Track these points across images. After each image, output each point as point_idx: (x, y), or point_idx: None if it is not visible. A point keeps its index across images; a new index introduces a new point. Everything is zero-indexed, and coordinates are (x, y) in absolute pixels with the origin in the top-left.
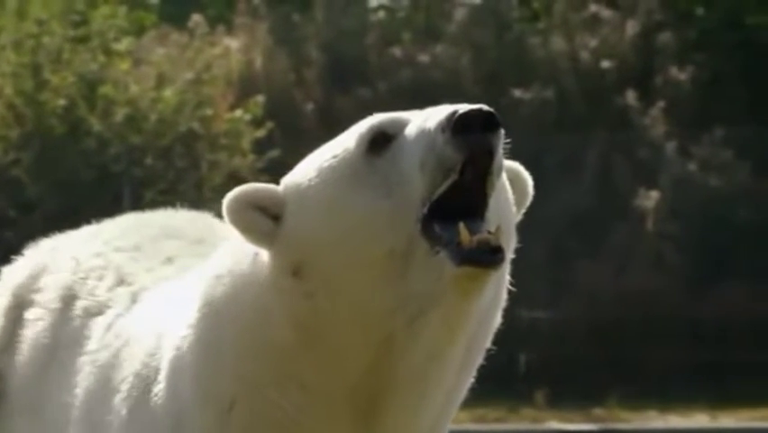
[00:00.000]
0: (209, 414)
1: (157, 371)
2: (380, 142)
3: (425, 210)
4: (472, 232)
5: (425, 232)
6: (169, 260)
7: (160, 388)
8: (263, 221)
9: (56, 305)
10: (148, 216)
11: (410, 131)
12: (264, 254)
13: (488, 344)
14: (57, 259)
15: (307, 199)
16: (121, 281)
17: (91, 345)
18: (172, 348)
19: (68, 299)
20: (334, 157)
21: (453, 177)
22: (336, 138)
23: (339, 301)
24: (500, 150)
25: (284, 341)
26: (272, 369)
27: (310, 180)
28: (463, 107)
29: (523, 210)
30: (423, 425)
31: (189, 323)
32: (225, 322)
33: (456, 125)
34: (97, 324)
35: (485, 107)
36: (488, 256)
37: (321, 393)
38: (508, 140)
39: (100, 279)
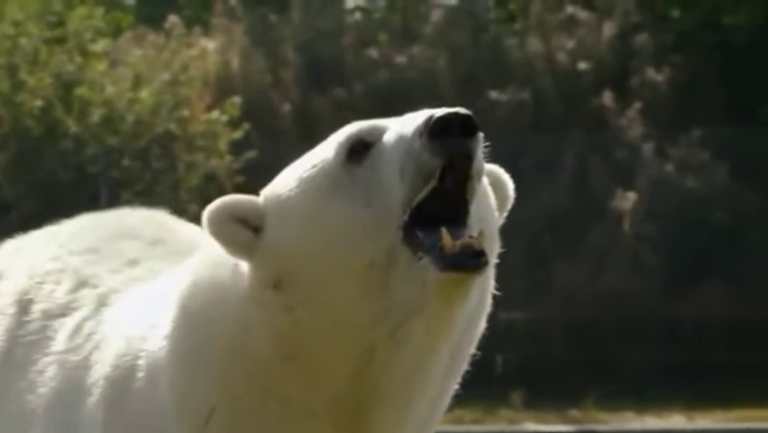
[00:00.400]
0: (187, 424)
1: (133, 375)
2: (359, 150)
3: (406, 217)
4: (455, 237)
5: (407, 239)
6: (134, 262)
7: (137, 393)
8: (244, 233)
9: (12, 310)
10: (103, 216)
11: (388, 138)
12: (244, 266)
13: (472, 349)
14: (14, 264)
15: (287, 211)
16: (83, 284)
17: (56, 346)
18: (148, 354)
19: (25, 303)
20: (314, 167)
21: (433, 182)
22: (315, 148)
23: (320, 313)
24: (479, 153)
25: (264, 354)
26: (253, 381)
27: (290, 191)
28: (440, 111)
29: (505, 214)
30: None
31: (166, 330)
32: (205, 332)
33: (433, 130)
34: (63, 325)
35: (462, 111)
36: (471, 260)
37: (302, 405)
38: (487, 143)
39: (57, 282)
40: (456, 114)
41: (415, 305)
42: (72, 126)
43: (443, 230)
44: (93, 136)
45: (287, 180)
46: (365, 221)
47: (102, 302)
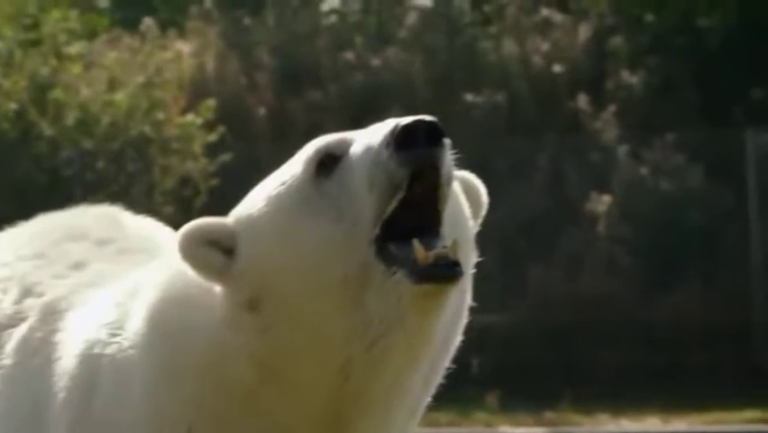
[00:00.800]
0: None
1: (98, 377)
2: (327, 164)
3: (378, 231)
4: (428, 248)
5: (380, 253)
6: (79, 264)
7: (104, 398)
8: (216, 256)
9: None
10: (57, 217)
11: (355, 150)
12: (217, 288)
13: (449, 359)
14: None
15: (259, 230)
16: (28, 292)
17: (5, 359)
18: (113, 360)
19: None
20: (283, 184)
21: (401, 193)
22: (284, 165)
23: (296, 332)
24: (448, 161)
25: (241, 375)
26: (232, 401)
27: (260, 210)
28: (405, 120)
29: (479, 221)
30: None
31: (135, 340)
32: (181, 350)
33: (398, 140)
34: (11, 337)
35: (428, 118)
36: (446, 271)
37: (282, 424)
38: (457, 149)
39: (5, 292)
40: (421, 122)
41: (392, 319)
42: (47, 129)
43: (416, 242)
44: (68, 139)
45: (256, 200)
46: (336, 236)
47: (49, 311)
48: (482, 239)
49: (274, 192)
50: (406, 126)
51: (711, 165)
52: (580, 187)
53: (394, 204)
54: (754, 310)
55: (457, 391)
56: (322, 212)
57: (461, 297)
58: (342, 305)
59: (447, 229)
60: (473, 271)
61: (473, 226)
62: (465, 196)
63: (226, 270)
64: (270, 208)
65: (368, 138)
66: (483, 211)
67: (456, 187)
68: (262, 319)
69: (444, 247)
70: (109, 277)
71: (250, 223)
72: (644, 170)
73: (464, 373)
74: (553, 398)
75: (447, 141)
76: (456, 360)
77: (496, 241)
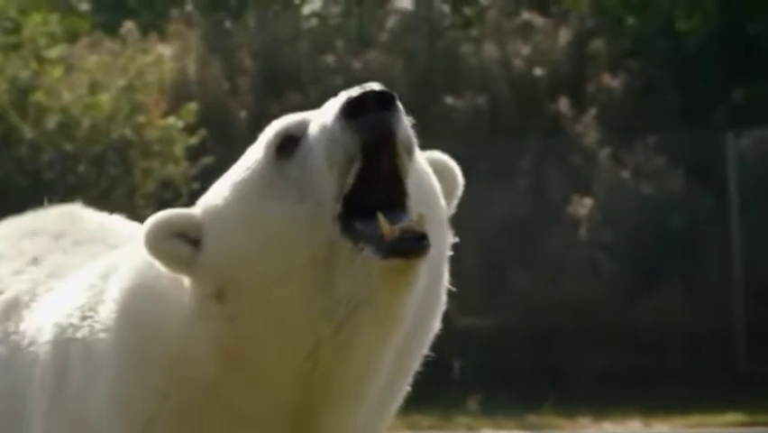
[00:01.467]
0: (123, 429)
1: (69, 364)
2: (287, 145)
3: (340, 207)
4: (393, 222)
5: (345, 230)
6: (36, 259)
7: (75, 384)
8: (183, 248)
9: None
10: (18, 219)
11: (312, 128)
12: (186, 280)
13: (425, 348)
14: None
15: (224, 218)
16: None
17: None
18: (84, 344)
19: None
20: (246, 170)
21: (357, 164)
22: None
23: (264, 319)
24: (404, 126)
25: (208, 366)
26: (195, 393)
27: (225, 198)
28: (354, 90)
29: (455, 201)
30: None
31: (105, 325)
32: (150, 340)
33: (347, 109)
34: None
35: (376, 86)
36: (412, 244)
37: (247, 415)
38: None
39: None
40: (370, 90)
41: (360, 297)
42: (28, 132)
43: (381, 216)
44: (49, 142)
45: (221, 188)
46: (301, 217)
47: (12, 305)
48: (464, 242)
49: (238, 179)
50: (354, 96)
51: (692, 168)
52: (562, 190)
53: (352, 176)
54: (736, 313)
55: (439, 394)
56: (285, 194)
57: (436, 277)
58: (309, 287)
59: (414, 203)
60: (453, 268)
61: (447, 206)
62: (439, 176)
63: (193, 261)
64: (234, 196)
65: (323, 115)
66: (458, 192)
67: (424, 163)
68: (229, 308)
69: (411, 221)
70: (68, 268)
71: (215, 212)
72: (625, 174)
73: (446, 376)
74: (535, 401)
75: (399, 106)
76: (438, 363)
77: (478, 244)
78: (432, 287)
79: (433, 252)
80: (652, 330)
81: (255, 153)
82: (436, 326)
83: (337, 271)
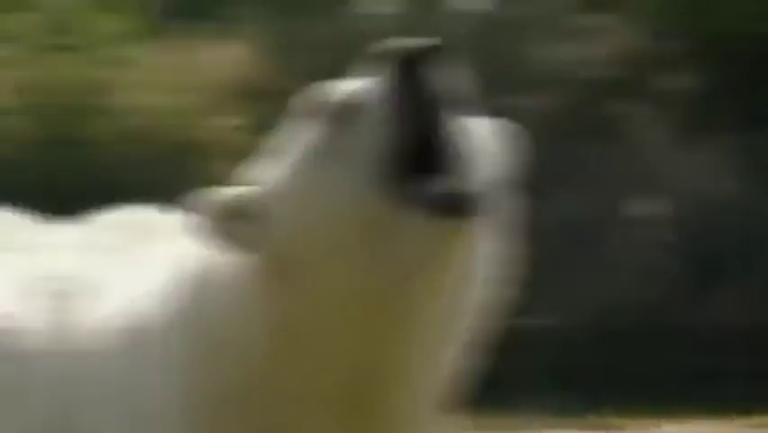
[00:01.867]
0: (189, 418)
1: (125, 368)
2: (340, 112)
3: (388, 170)
4: (444, 182)
5: (396, 194)
6: (112, 252)
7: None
8: (242, 228)
9: None
10: (103, 215)
11: (363, 93)
12: (245, 262)
13: (472, 316)
14: None
15: (283, 192)
16: None
17: None
18: (143, 348)
19: None
20: (300, 141)
21: (407, 125)
22: (298, 125)
23: (326, 296)
24: (454, 88)
25: (271, 350)
26: (260, 377)
27: (282, 172)
28: (402, 50)
29: (517, 165)
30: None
31: (167, 323)
32: (212, 328)
33: (398, 71)
34: None
35: (426, 42)
36: (461, 205)
37: (311, 396)
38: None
39: None
40: (419, 47)
41: (413, 262)
42: (102, 133)
43: (429, 178)
44: (123, 142)
45: (275, 162)
46: (358, 182)
47: (83, 293)
48: (527, 243)
49: (293, 151)
50: (404, 56)
51: (753, 169)
52: (623, 191)
53: (400, 139)
54: None
55: (500, 395)
56: (342, 161)
57: (491, 249)
58: (366, 254)
59: (466, 165)
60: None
61: (505, 167)
62: (497, 138)
63: (253, 240)
64: (292, 168)
65: (371, 80)
66: (521, 154)
67: (482, 126)
68: (289, 286)
69: (459, 182)
70: (141, 262)
71: (273, 187)
72: (686, 175)
73: (507, 376)
74: (596, 401)
75: (450, 64)
76: (499, 363)
77: (541, 245)
78: (485, 259)
79: (488, 214)
80: (712, 330)
81: (308, 124)
82: (482, 294)
83: (391, 237)
